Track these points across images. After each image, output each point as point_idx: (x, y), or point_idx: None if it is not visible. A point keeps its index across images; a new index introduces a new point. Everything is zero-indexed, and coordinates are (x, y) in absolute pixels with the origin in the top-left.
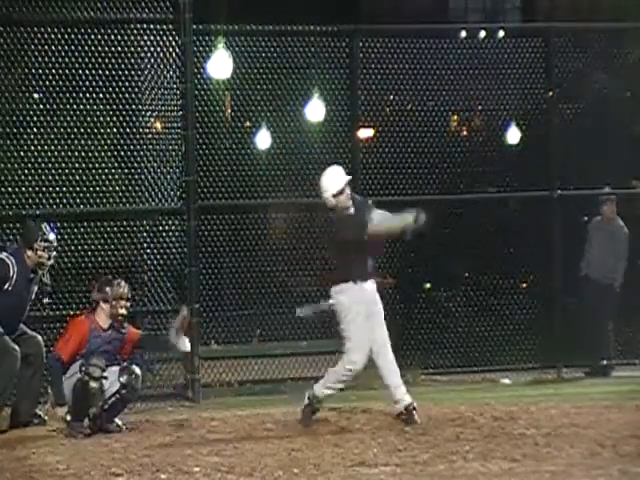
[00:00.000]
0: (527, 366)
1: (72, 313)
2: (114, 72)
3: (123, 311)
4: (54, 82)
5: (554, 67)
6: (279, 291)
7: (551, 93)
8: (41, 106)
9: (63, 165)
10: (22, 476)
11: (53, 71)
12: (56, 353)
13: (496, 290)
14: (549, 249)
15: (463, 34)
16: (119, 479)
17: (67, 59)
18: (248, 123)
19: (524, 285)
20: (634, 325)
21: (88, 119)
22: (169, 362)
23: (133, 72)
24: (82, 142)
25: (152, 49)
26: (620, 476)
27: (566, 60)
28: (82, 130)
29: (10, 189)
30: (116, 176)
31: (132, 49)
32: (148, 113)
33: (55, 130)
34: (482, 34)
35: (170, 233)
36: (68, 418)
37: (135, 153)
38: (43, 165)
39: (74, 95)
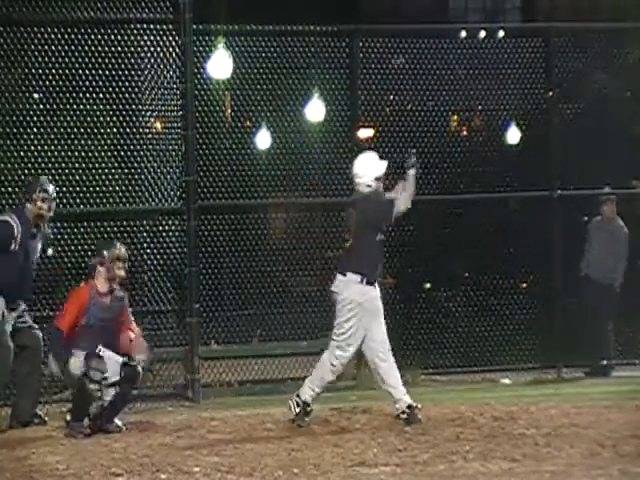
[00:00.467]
0: (527, 366)
1: None
2: (114, 72)
3: (121, 272)
4: (54, 82)
5: (554, 67)
6: (279, 291)
7: (551, 93)
8: (41, 106)
9: (63, 165)
10: (22, 476)
11: (53, 71)
12: (55, 325)
13: (496, 290)
14: (549, 249)
15: (463, 34)
16: (119, 479)
17: (67, 59)
18: (248, 123)
19: (524, 285)
20: (634, 325)
21: (88, 119)
22: (169, 362)
23: (133, 72)
24: (82, 142)
25: (152, 49)
26: (620, 476)
27: (566, 60)
28: (82, 130)
29: (10, 189)
30: (116, 176)
31: (132, 49)
32: (148, 113)
33: (55, 130)
34: (482, 34)
35: (170, 233)
36: (68, 418)
37: (135, 153)
38: (43, 165)
39: (74, 95)
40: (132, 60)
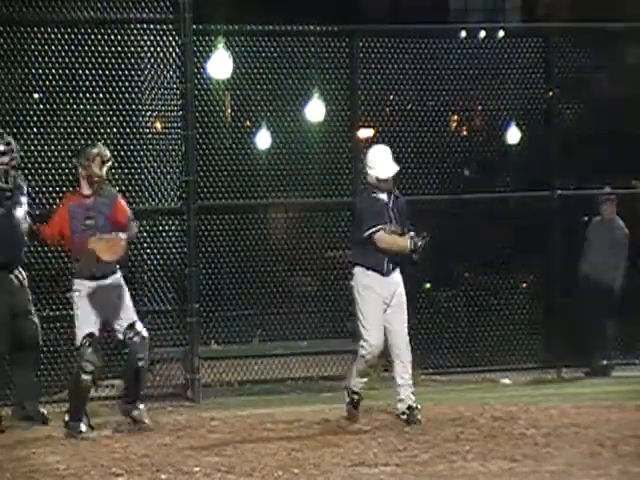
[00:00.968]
0: (527, 366)
1: (72, 313)
2: (114, 72)
3: (96, 170)
4: (54, 82)
5: (554, 67)
6: (279, 291)
7: (551, 93)
8: (41, 106)
9: (63, 165)
10: (22, 476)
11: (53, 71)
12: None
13: (496, 290)
14: (549, 249)
15: (463, 34)
16: (119, 479)
17: (67, 59)
18: (248, 123)
19: (524, 285)
20: (634, 325)
21: (88, 119)
22: (169, 362)
23: (133, 72)
24: (82, 142)
25: (152, 49)
26: (620, 476)
27: (566, 60)
28: (82, 130)
29: None
30: (116, 176)
31: (132, 49)
32: (148, 113)
33: (55, 130)
34: (482, 34)
35: (170, 233)
36: (66, 418)
37: (135, 153)
38: (43, 165)
39: (74, 95)
40: (132, 60)
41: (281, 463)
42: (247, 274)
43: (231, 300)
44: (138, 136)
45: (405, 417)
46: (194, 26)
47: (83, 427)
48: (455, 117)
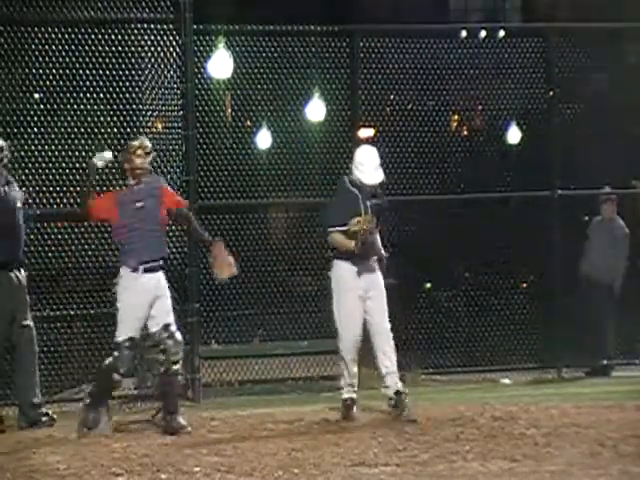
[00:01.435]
0: (527, 366)
1: (72, 313)
2: (114, 72)
3: (138, 161)
4: (54, 82)
5: (554, 67)
6: (279, 291)
7: (551, 93)
8: (41, 106)
9: (63, 165)
10: (22, 476)
11: (53, 71)
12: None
13: (496, 290)
14: (549, 249)
15: (463, 34)
16: (119, 479)
17: (67, 59)
18: (248, 123)
19: (524, 285)
20: (634, 325)
21: (88, 119)
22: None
23: (133, 72)
24: (82, 142)
25: (152, 49)
26: (620, 476)
27: (566, 60)
28: (82, 130)
29: None
30: (116, 176)
31: (132, 49)
32: (148, 113)
33: (55, 130)
34: (482, 34)
35: (170, 233)
36: (88, 401)
37: None
38: (43, 165)
39: (74, 95)
40: (132, 60)
41: (281, 463)
42: (247, 274)
43: (231, 300)
44: (138, 136)
45: (393, 402)
46: (194, 26)
47: (102, 423)
48: (455, 117)
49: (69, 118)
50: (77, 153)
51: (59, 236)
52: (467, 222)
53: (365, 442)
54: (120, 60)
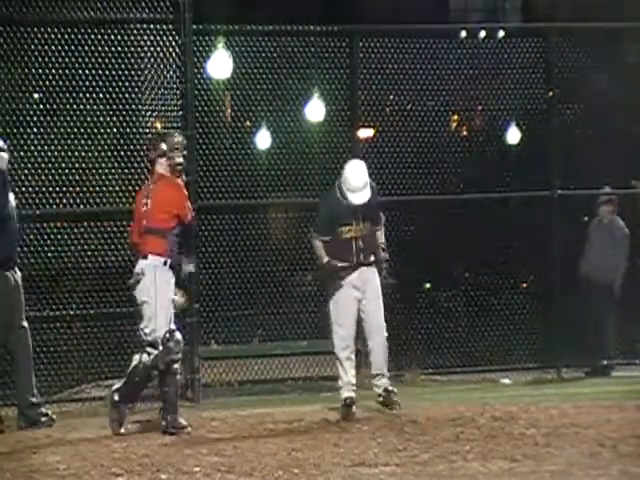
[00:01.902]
0: (527, 366)
1: (72, 313)
2: (114, 72)
3: (180, 159)
4: (54, 82)
5: (554, 67)
6: (279, 291)
7: (551, 93)
8: (41, 106)
9: (63, 165)
10: (22, 476)
11: (53, 71)
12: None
13: (496, 290)
14: (549, 249)
15: (463, 34)
16: (119, 479)
17: (67, 59)
18: (248, 123)
19: (524, 285)
20: (634, 325)
21: (88, 119)
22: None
23: (133, 72)
24: (82, 142)
25: (152, 49)
26: (620, 476)
27: (566, 60)
28: (82, 130)
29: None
30: (116, 176)
31: (132, 49)
32: (148, 113)
33: (55, 130)
34: (482, 34)
35: None
36: (116, 398)
37: (135, 153)
38: (43, 165)
39: (74, 95)
40: (132, 60)
41: (281, 463)
42: (247, 274)
43: (231, 300)
44: (138, 136)
45: (382, 399)
46: (194, 26)
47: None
48: (455, 117)
49: (69, 118)
50: (77, 153)
51: (59, 236)
52: (467, 222)
53: (365, 442)
54: (120, 60)
